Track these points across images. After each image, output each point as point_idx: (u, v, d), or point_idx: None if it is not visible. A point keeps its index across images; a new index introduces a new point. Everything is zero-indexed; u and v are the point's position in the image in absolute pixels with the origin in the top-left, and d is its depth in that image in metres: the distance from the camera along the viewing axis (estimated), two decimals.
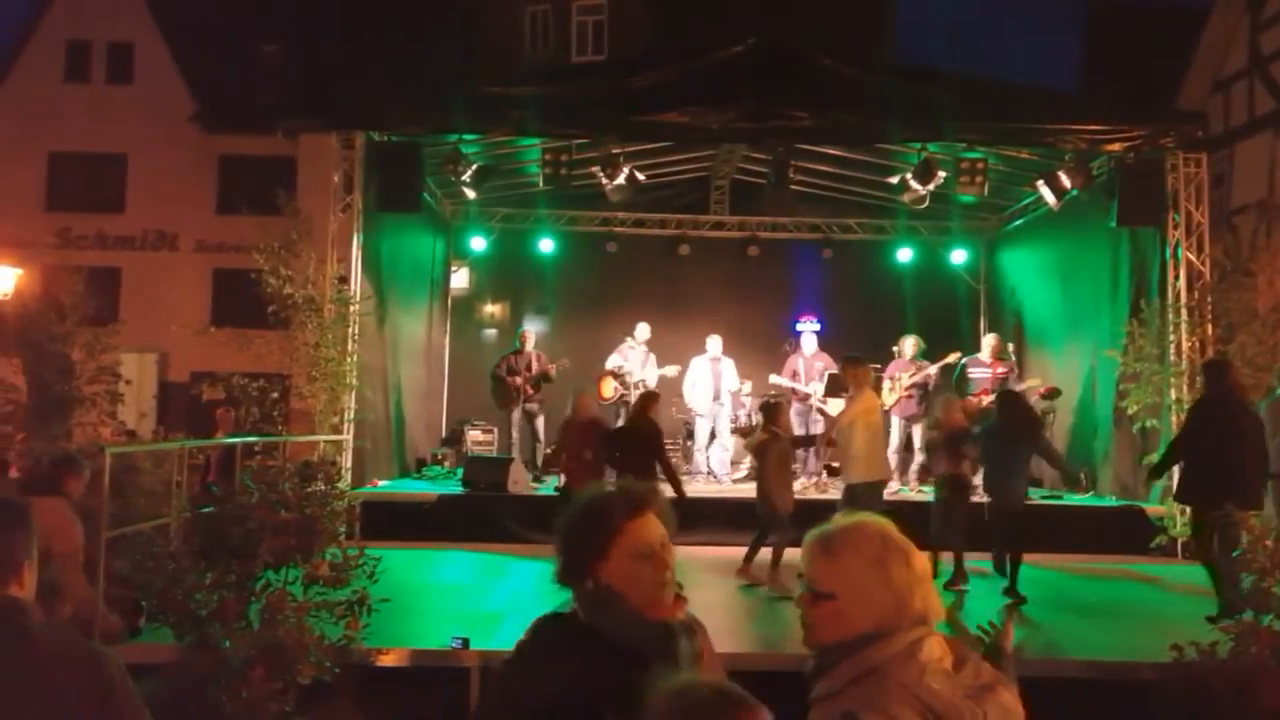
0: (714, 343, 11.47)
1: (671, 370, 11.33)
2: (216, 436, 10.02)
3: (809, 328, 11.63)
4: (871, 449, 7.33)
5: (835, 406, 9.70)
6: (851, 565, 1.65)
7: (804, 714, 1.65)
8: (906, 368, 10.44)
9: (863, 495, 7.00)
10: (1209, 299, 9.09)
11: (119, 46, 19.37)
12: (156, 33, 19.23)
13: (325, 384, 9.04)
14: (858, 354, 7.89)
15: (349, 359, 9.21)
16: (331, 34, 19.23)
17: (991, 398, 10.12)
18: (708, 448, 11.47)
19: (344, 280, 9.35)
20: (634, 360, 11.39)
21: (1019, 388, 10.74)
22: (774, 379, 11.03)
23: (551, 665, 1.77)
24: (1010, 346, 11.48)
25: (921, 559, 1.69)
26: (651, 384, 11.34)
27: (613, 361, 11.41)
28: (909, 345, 10.60)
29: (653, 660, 1.68)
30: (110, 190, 19.08)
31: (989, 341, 10.63)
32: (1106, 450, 10.25)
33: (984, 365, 10.26)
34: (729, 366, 11.44)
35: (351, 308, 9.32)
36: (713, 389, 11.29)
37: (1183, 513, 8.33)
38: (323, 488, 5.75)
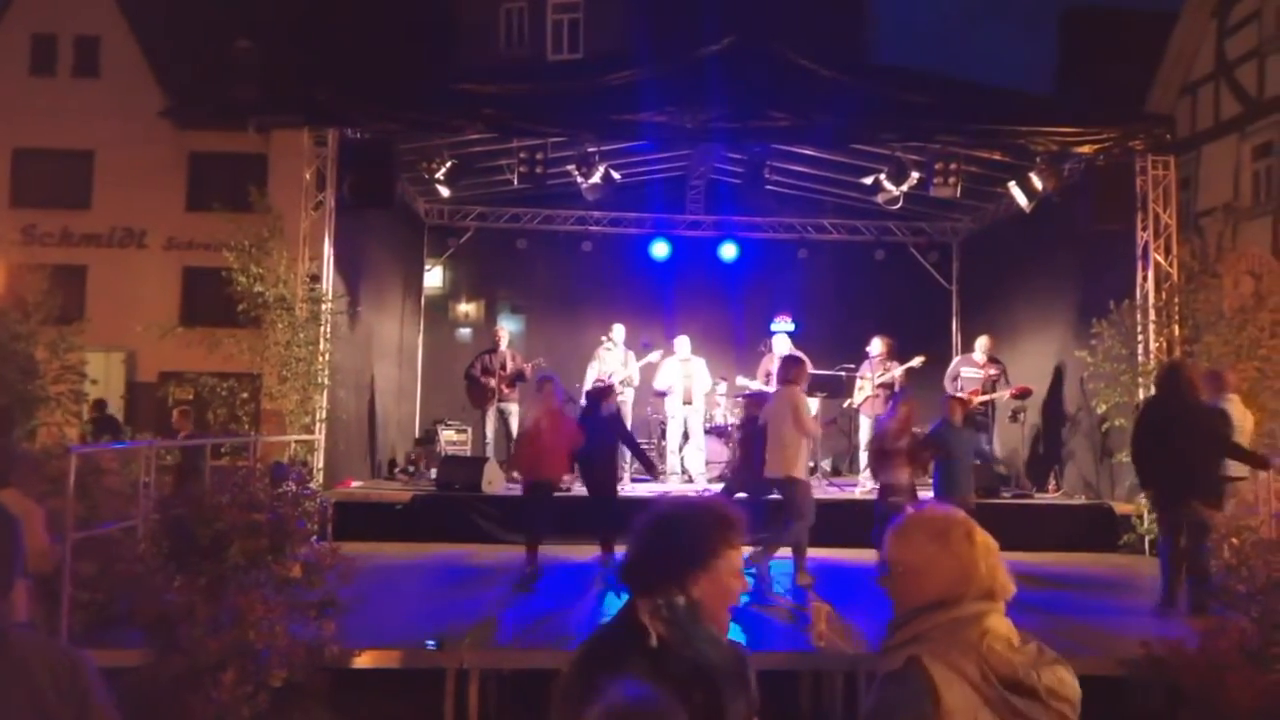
0: (682, 343, 11.29)
1: (655, 355, 11.13)
2: (178, 439, 9.84)
3: (783, 327, 11.63)
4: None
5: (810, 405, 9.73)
6: (918, 539, 1.83)
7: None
8: (878, 367, 10.51)
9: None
10: (1176, 300, 9.23)
11: (86, 39, 18.99)
12: (125, 26, 18.86)
13: (297, 384, 8.95)
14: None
15: (321, 358, 9.12)
16: (304, 29, 19.01)
17: (983, 398, 10.29)
18: (681, 449, 11.42)
19: (316, 279, 9.26)
20: (612, 362, 11.18)
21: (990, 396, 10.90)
22: (741, 381, 11.01)
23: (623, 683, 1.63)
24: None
25: (985, 536, 1.83)
26: (637, 379, 11.27)
27: (592, 370, 11.10)
28: (878, 345, 10.68)
29: (726, 683, 1.66)
30: (77, 186, 18.71)
31: (982, 343, 10.79)
32: (1074, 449, 10.38)
33: (976, 365, 10.43)
34: (699, 367, 11.31)
35: (324, 306, 9.23)
36: (683, 390, 11.15)
37: (1150, 510, 8.45)
38: (294, 488, 5.69)
